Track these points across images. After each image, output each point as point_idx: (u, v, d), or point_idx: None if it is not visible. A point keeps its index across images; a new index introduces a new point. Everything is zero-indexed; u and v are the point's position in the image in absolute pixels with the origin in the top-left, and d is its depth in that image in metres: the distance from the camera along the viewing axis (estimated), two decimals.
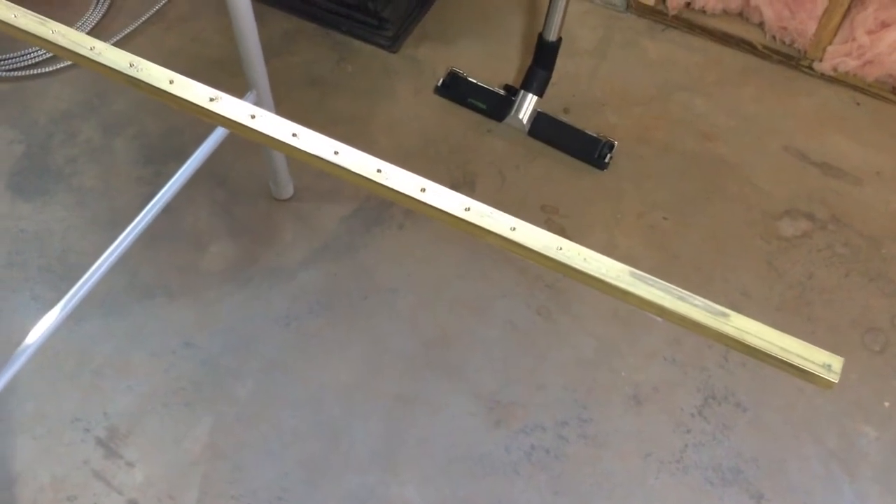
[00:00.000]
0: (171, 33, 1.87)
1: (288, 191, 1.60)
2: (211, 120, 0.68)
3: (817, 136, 1.70)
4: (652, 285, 0.61)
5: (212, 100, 0.68)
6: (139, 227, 1.24)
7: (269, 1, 1.90)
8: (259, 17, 1.25)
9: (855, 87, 1.75)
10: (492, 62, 1.82)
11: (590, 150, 1.66)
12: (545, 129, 1.70)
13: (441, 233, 1.56)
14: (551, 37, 1.68)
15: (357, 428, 1.36)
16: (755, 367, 1.41)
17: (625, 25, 1.88)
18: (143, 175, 1.64)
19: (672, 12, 1.83)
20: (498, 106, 1.72)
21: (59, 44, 0.70)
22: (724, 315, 0.60)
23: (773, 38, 1.79)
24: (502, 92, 1.74)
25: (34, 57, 1.78)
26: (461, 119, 1.73)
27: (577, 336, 1.45)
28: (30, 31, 0.71)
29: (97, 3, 1.88)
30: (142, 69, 0.69)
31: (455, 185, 1.64)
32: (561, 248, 0.63)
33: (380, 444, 1.35)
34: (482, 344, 1.45)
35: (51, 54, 1.78)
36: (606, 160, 1.65)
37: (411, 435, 1.36)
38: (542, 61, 1.71)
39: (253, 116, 0.68)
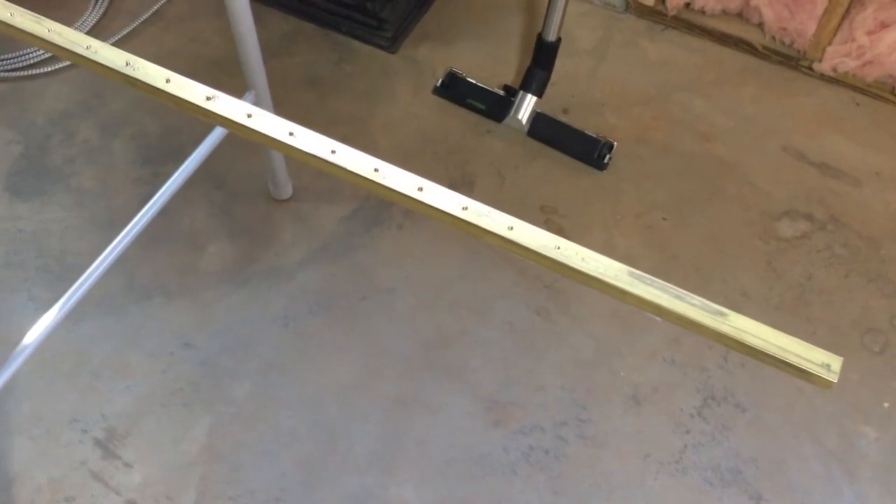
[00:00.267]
0: (169, 33, 1.87)
1: (287, 191, 1.60)
2: (207, 119, 0.68)
3: (816, 137, 1.70)
4: (650, 285, 0.61)
5: (208, 98, 0.68)
6: (137, 228, 1.24)
7: (268, 1, 1.90)
8: (258, 18, 1.24)
9: (854, 88, 1.75)
10: (491, 62, 1.82)
11: (589, 151, 1.66)
12: (544, 129, 1.70)
13: (440, 233, 1.56)
14: (550, 37, 1.68)
15: (355, 429, 1.36)
16: (754, 368, 1.41)
17: (624, 26, 1.88)
18: (141, 175, 1.64)
19: (671, 13, 1.83)
20: (497, 106, 1.72)
21: (56, 42, 0.69)
22: (722, 314, 0.59)
23: (773, 38, 1.78)
24: (501, 92, 1.74)
25: (32, 57, 1.78)
26: (460, 119, 1.73)
27: (576, 336, 1.45)
28: (26, 29, 0.71)
29: (96, 4, 1.88)
30: (138, 68, 0.69)
31: (454, 186, 1.64)
32: (559, 248, 0.63)
33: (378, 445, 1.34)
34: (481, 344, 1.44)
35: (49, 54, 1.78)
36: (605, 160, 1.65)
37: (409, 436, 1.35)
38: (541, 62, 1.71)
39: (249, 115, 0.68)
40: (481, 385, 1.40)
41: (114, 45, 0.71)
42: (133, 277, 1.51)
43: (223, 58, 1.80)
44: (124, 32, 1.84)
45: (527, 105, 1.70)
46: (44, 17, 0.73)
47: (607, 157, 1.65)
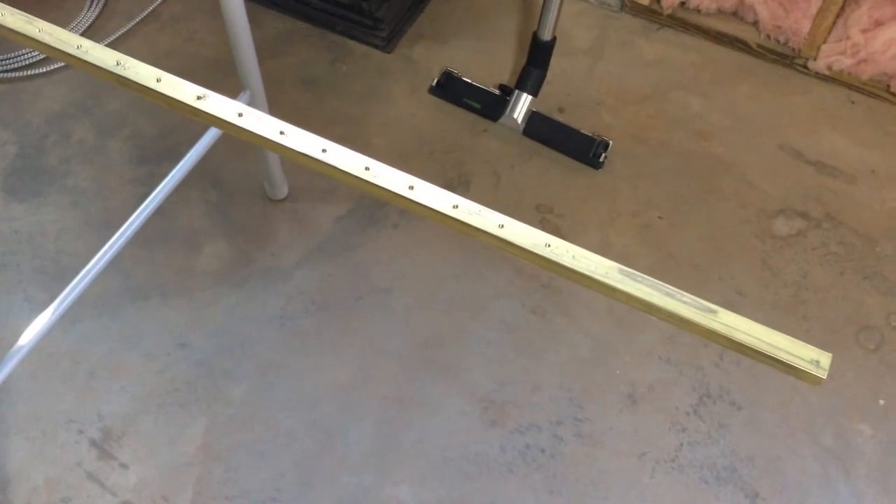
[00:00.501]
0: (165, 34, 1.87)
1: (282, 191, 1.60)
2: (198, 118, 0.68)
3: (812, 135, 1.70)
4: (640, 282, 0.61)
5: (199, 98, 0.68)
6: (132, 228, 1.24)
7: (263, 1, 1.90)
8: (253, 18, 1.25)
9: (849, 86, 1.75)
10: (486, 62, 1.82)
11: (585, 150, 1.66)
12: (540, 128, 1.70)
13: (436, 232, 1.56)
14: (546, 36, 1.68)
15: (351, 428, 1.36)
16: (750, 366, 1.41)
17: (619, 25, 1.88)
18: (137, 176, 1.64)
19: (666, 11, 1.83)
20: (493, 106, 1.72)
21: (46, 42, 0.69)
22: (713, 311, 0.60)
23: (768, 36, 1.79)
24: (497, 92, 1.74)
25: (28, 58, 1.78)
26: (456, 119, 1.73)
27: (572, 335, 1.45)
28: (16, 29, 0.71)
29: (91, 5, 1.88)
30: (129, 67, 0.69)
31: (450, 185, 1.64)
32: (549, 245, 0.63)
33: (374, 445, 1.34)
34: (477, 344, 1.44)
35: (44, 55, 1.78)
36: (601, 159, 1.65)
37: (406, 435, 1.35)
38: (536, 61, 1.71)
39: (240, 114, 0.68)
40: (478, 384, 1.40)
41: (109, 45, 0.72)
42: (129, 278, 1.51)
43: (219, 58, 1.80)
44: (120, 33, 1.84)
45: (522, 104, 1.70)
46: (35, 18, 0.73)
47: (603, 155, 1.65)
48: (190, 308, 1.48)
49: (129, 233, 1.24)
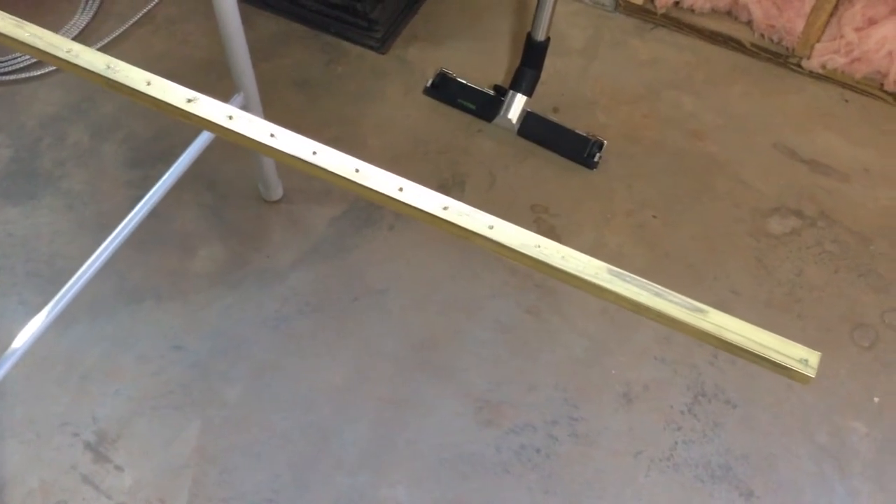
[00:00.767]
0: (159, 36, 1.87)
1: (277, 192, 1.60)
2: (188, 121, 0.68)
3: (806, 134, 1.70)
4: (629, 282, 0.61)
5: (189, 101, 0.68)
6: (126, 230, 1.24)
7: (257, 3, 1.90)
8: (247, 20, 1.24)
9: (843, 84, 1.75)
10: (481, 62, 1.82)
11: (579, 150, 1.67)
12: (535, 128, 1.70)
13: (431, 234, 1.56)
14: (540, 36, 1.68)
15: (347, 430, 1.36)
16: (744, 365, 1.41)
17: (613, 25, 1.88)
18: (131, 178, 1.64)
19: (660, 11, 1.84)
20: (487, 106, 1.72)
21: (36, 46, 0.69)
22: (702, 311, 0.60)
23: (762, 36, 1.79)
24: (491, 92, 1.74)
25: (22, 61, 1.78)
26: (451, 120, 1.73)
27: (567, 335, 1.45)
28: (6, 33, 0.71)
29: (84, 8, 1.88)
30: (119, 71, 0.69)
31: (445, 186, 1.64)
32: (539, 246, 0.63)
33: (370, 446, 1.34)
34: (473, 344, 1.44)
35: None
36: (596, 159, 1.65)
37: (401, 436, 1.35)
38: (530, 61, 1.71)
39: (231, 117, 0.68)
40: (473, 385, 1.40)
41: (103, 48, 0.72)
42: (124, 280, 1.51)
43: (213, 60, 1.80)
44: (113, 36, 1.83)
45: (517, 105, 1.70)
46: (25, 22, 0.73)
47: (597, 155, 1.66)
48: (184, 310, 1.47)
49: (123, 235, 1.24)
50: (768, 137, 1.70)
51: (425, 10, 1.91)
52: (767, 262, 1.53)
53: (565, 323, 1.47)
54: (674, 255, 1.55)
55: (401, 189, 0.65)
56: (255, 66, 1.31)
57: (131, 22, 1.86)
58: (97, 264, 1.21)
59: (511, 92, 1.71)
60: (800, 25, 1.71)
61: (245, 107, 1.34)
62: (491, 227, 0.64)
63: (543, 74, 1.73)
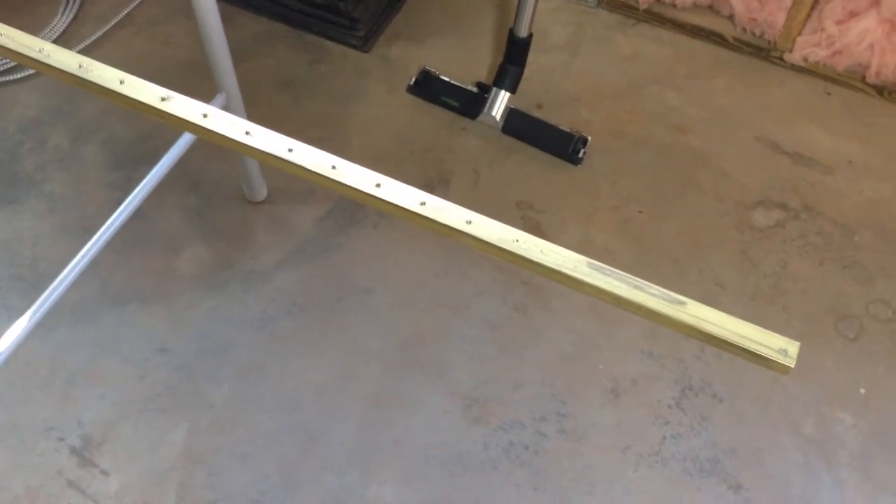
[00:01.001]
0: (140, 37, 1.85)
1: (261, 193, 1.59)
2: (163, 120, 0.67)
3: (789, 127, 1.71)
4: (608, 275, 0.61)
5: (163, 99, 0.67)
6: (109, 233, 1.23)
7: (239, 3, 1.89)
8: (230, 20, 1.24)
9: (825, 77, 1.76)
10: (464, 60, 1.82)
11: (563, 146, 1.66)
12: (519, 125, 1.70)
13: (416, 231, 1.55)
14: (522, 33, 1.68)
15: (334, 429, 1.35)
16: (731, 358, 1.40)
17: (596, 20, 1.88)
18: (113, 180, 1.63)
19: (642, 6, 1.84)
20: (471, 103, 1.72)
21: (7, 46, 0.69)
22: (681, 303, 0.60)
23: (743, 30, 1.79)
24: (475, 89, 1.74)
25: (1, 65, 1.76)
26: (434, 118, 1.73)
27: (554, 331, 1.45)
28: None
29: (65, 10, 1.87)
30: (91, 70, 0.68)
31: (429, 184, 1.63)
32: (517, 241, 0.63)
33: (357, 445, 1.34)
34: (459, 342, 1.44)
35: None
36: (580, 155, 1.65)
37: (389, 435, 1.35)
38: (513, 58, 1.71)
39: (205, 115, 0.67)
40: (460, 382, 1.40)
41: (83, 50, 0.71)
42: (107, 283, 1.50)
43: (195, 61, 1.79)
44: (94, 37, 1.82)
45: (500, 101, 1.70)
46: None
47: (582, 151, 1.66)
48: (169, 313, 1.47)
49: (106, 238, 1.22)
50: (751, 131, 1.70)
51: (407, 8, 1.91)
52: (752, 255, 1.54)
53: (552, 319, 1.46)
54: (659, 249, 1.55)
55: (378, 185, 0.65)
56: (237, 66, 1.30)
57: (112, 23, 1.85)
58: (80, 267, 1.20)
59: (494, 89, 1.71)
60: (781, 19, 1.72)
61: (227, 107, 1.33)
62: (469, 223, 0.63)
63: (526, 71, 1.73)
